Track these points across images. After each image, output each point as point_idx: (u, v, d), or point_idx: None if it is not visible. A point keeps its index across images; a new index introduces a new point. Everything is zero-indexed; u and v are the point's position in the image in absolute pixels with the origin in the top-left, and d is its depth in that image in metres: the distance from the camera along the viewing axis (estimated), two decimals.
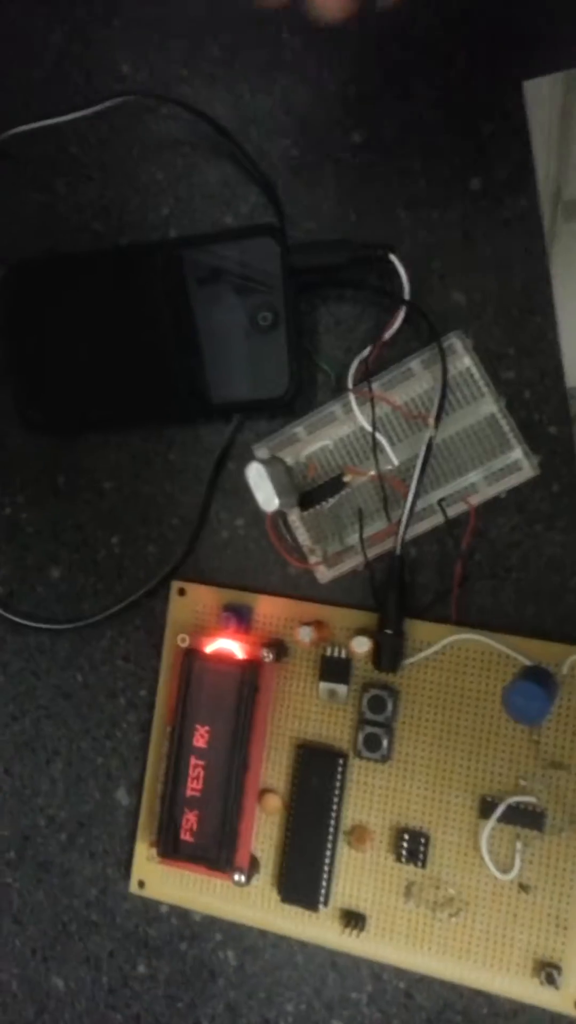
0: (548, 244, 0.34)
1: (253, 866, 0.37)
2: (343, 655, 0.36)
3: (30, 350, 0.40)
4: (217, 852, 0.36)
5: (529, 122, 0.34)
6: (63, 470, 0.42)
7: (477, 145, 0.35)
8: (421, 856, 0.35)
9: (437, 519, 0.35)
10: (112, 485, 0.41)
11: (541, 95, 0.34)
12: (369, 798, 0.36)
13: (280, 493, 0.34)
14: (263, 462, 0.34)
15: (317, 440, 0.36)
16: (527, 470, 0.34)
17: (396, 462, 0.35)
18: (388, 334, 0.35)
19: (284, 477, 0.35)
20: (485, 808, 0.34)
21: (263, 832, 0.37)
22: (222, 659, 0.37)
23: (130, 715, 0.41)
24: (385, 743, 0.35)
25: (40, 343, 0.40)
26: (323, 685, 0.36)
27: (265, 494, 0.34)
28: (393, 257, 0.34)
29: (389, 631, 0.35)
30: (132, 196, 0.40)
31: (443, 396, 0.34)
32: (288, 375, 0.36)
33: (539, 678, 0.32)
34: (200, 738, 0.36)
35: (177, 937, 0.40)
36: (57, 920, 0.42)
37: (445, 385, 0.34)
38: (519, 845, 0.34)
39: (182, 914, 0.40)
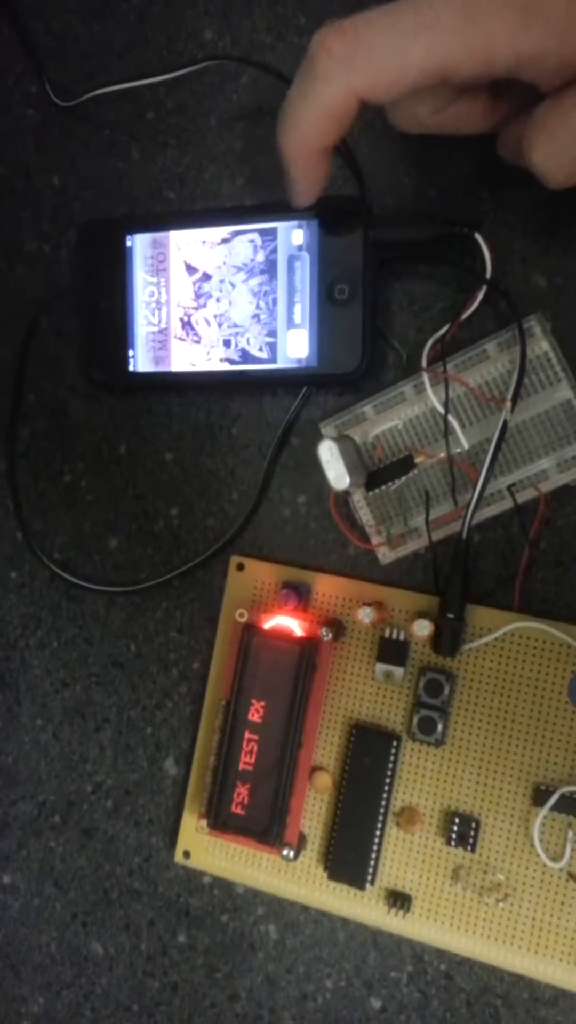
0: None
1: (301, 842, 0.38)
2: (401, 637, 0.37)
3: (99, 310, 0.41)
4: (267, 826, 0.37)
5: None
6: (125, 439, 0.43)
7: None
8: (471, 841, 0.36)
9: (504, 504, 0.36)
10: (173, 456, 0.42)
11: None
12: (421, 781, 0.37)
13: (351, 471, 0.35)
14: (334, 440, 0.36)
15: (386, 420, 0.37)
16: None
17: (466, 445, 0.36)
18: (467, 314, 0.36)
19: (354, 455, 0.36)
20: (538, 796, 0.35)
21: (311, 809, 0.39)
22: (281, 636, 0.38)
23: (182, 687, 0.43)
24: (440, 727, 0.36)
25: (109, 304, 0.41)
26: (380, 666, 0.38)
27: (336, 472, 0.35)
28: (478, 235, 0.35)
29: (451, 615, 0.36)
30: (208, 164, 0.41)
31: (520, 379, 0.35)
32: (361, 350, 0.37)
33: None
34: (255, 713, 0.38)
35: (219, 909, 0.42)
36: (99, 886, 0.44)
37: (523, 368, 0.35)
38: (570, 834, 0.35)
39: (225, 886, 0.42)
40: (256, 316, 0.38)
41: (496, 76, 0.28)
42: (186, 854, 0.41)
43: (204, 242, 0.39)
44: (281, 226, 0.38)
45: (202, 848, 0.41)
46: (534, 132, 0.29)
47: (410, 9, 0.26)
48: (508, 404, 0.34)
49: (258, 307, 0.38)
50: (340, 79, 0.28)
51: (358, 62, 0.27)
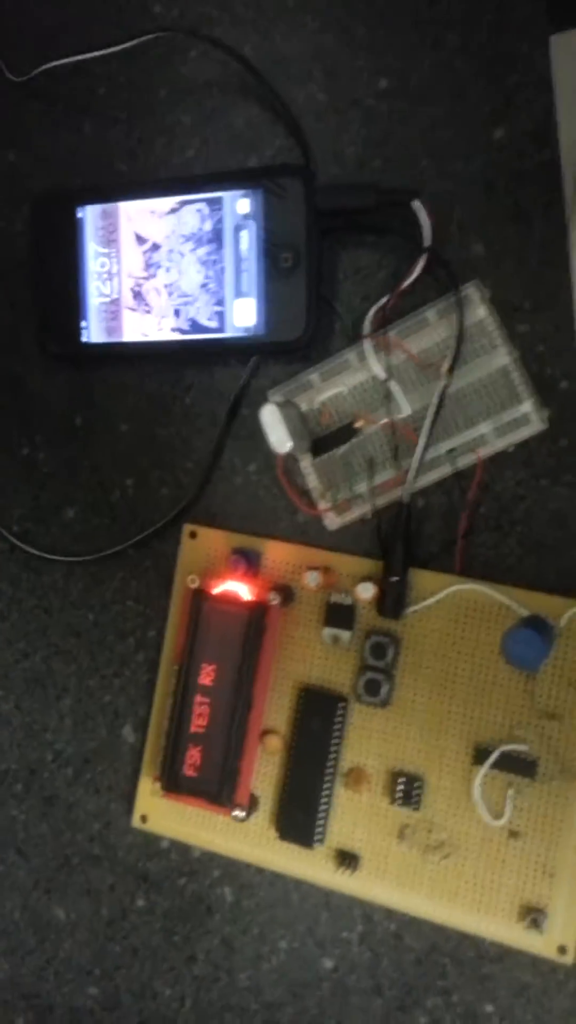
0: (569, 210, 0.36)
1: (252, 803, 0.40)
2: (348, 601, 0.39)
3: (53, 282, 0.43)
4: (218, 788, 0.39)
5: (554, 77, 0.36)
6: (80, 411, 0.45)
7: (502, 95, 0.37)
8: (415, 799, 0.38)
9: (445, 470, 0.38)
10: (128, 427, 0.44)
11: (570, 50, 0.36)
12: (367, 741, 0.39)
13: (292, 436, 0.37)
14: (277, 404, 0.37)
15: (331, 387, 0.39)
16: (536, 423, 0.36)
17: (408, 411, 0.38)
18: (407, 282, 0.38)
19: (297, 421, 0.38)
20: (479, 755, 0.37)
21: (263, 771, 0.40)
22: (230, 600, 0.39)
23: (139, 655, 0.44)
24: (385, 688, 0.38)
25: (62, 275, 0.42)
26: (327, 630, 0.39)
27: (278, 436, 0.37)
28: (417, 203, 0.37)
29: (394, 578, 0.37)
30: (158, 137, 0.42)
31: (458, 347, 0.36)
32: (306, 318, 0.38)
33: (537, 626, 0.34)
34: (206, 676, 0.39)
35: (176, 872, 0.44)
36: (60, 853, 0.46)
37: (461, 335, 0.36)
38: (511, 792, 0.37)
39: (182, 850, 0.43)
40: (205, 285, 0.40)
41: None
42: (143, 818, 0.43)
43: (153, 212, 0.40)
44: (227, 195, 0.39)
45: (158, 812, 0.42)
46: None
47: None
48: (444, 370, 0.36)
49: (206, 276, 0.40)
50: None
51: None
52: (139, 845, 0.44)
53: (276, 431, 0.37)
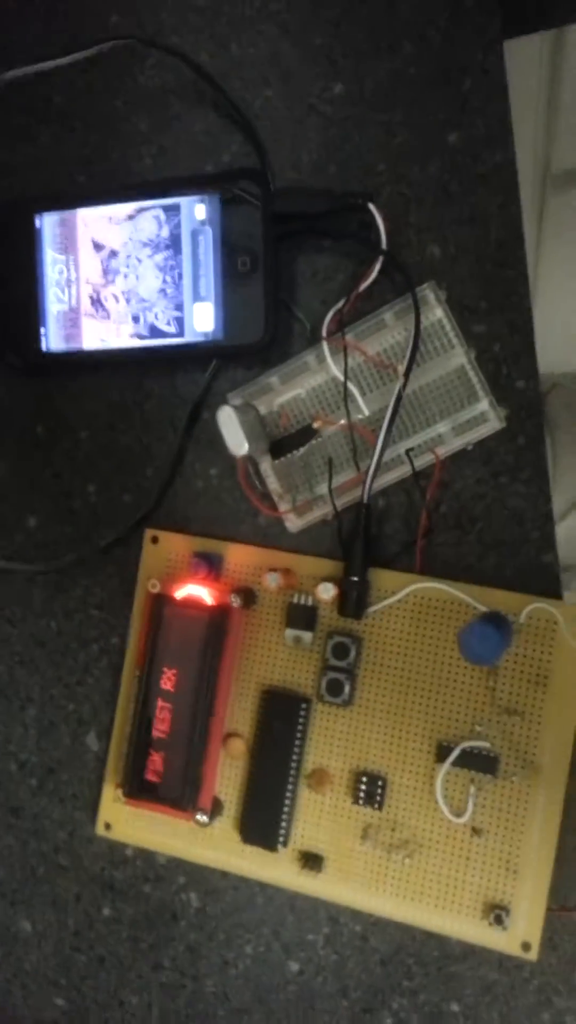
0: (527, 213, 0.37)
1: (216, 808, 0.40)
2: (309, 603, 0.39)
3: (12, 291, 0.43)
4: (181, 793, 0.39)
5: (509, 82, 0.36)
6: (41, 419, 0.45)
7: (456, 100, 0.37)
8: (378, 799, 0.38)
9: (405, 470, 0.38)
10: (89, 434, 0.44)
11: (523, 56, 0.36)
12: (330, 742, 0.39)
13: (250, 438, 0.37)
14: (234, 407, 0.37)
15: (290, 389, 0.39)
16: (493, 422, 0.37)
17: (367, 412, 0.38)
18: (364, 285, 0.38)
19: (255, 423, 0.38)
20: (441, 753, 0.37)
21: (227, 776, 0.40)
22: (191, 604, 0.39)
23: (102, 662, 0.44)
24: (347, 688, 0.38)
25: (21, 284, 0.42)
26: (289, 631, 0.39)
27: (235, 438, 0.37)
28: (372, 206, 0.37)
29: (354, 578, 0.38)
30: (115, 146, 0.42)
31: (415, 347, 0.37)
32: (265, 321, 0.38)
33: (493, 621, 0.35)
34: (167, 681, 0.39)
35: (141, 880, 0.43)
36: (26, 864, 0.45)
37: (417, 336, 0.37)
38: (472, 789, 0.37)
39: (147, 857, 0.43)
40: (163, 291, 0.40)
41: None
42: (107, 826, 0.42)
43: (110, 219, 0.41)
44: (184, 201, 0.39)
45: (122, 819, 0.42)
46: None
47: None
48: (401, 370, 0.36)
49: (164, 282, 0.40)
50: None
51: None
52: (104, 853, 0.44)
53: (233, 434, 0.37)
